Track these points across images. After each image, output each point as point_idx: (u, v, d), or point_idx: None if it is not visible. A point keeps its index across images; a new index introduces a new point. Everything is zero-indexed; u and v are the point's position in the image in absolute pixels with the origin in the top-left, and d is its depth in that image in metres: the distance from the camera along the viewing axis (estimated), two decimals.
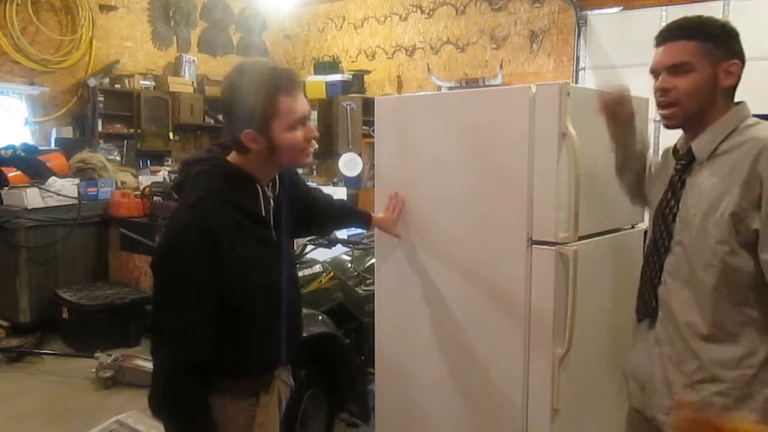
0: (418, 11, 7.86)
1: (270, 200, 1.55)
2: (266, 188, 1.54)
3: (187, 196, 1.46)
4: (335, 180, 7.05)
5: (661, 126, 1.55)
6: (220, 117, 1.57)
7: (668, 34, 1.50)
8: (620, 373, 1.73)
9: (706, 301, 1.45)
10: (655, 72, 1.52)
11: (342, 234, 3.45)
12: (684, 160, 1.53)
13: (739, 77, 1.48)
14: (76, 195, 4.87)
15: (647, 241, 1.65)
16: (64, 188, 4.85)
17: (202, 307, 1.41)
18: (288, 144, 1.46)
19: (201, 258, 1.38)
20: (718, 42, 1.46)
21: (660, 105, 1.52)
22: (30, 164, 5.06)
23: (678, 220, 1.51)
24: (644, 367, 1.60)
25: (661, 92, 1.50)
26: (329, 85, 7.63)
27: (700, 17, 1.50)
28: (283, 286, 1.57)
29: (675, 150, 1.61)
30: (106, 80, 7.12)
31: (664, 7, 5.73)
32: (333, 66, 8.05)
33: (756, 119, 1.49)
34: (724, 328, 1.44)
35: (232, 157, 1.51)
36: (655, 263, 1.57)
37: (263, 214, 1.52)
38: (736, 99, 1.52)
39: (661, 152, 1.72)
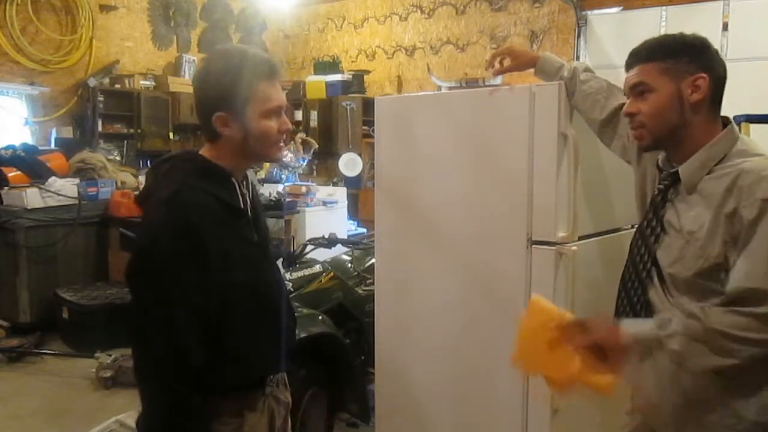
0: (418, 11, 7.85)
1: (246, 197, 1.48)
2: (240, 184, 1.47)
3: (159, 192, 1.35)
4: (335, 180, 7.04)
5: None
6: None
7: (629, 61, 1.48)
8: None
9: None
10: (626, 97, 1.52)
11: (342, 234, 3.45)
12: (668, 181, 1.49)
13: (711, 91, 1.42)
14: (76, 195, 4.86)
15: (627, 260, 1.58)
16: (64, 188, 4.84)
17: (192, 312, 1.32)
18: (261, 132, 1.39)
19: (186, 258, 1.30)
20: (678, 57, 1.42)
21: (631, 128, 1.52)
22: (30, 164, 5.05)
23: (661, 246, 1.47)
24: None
25: (628, 117, 1.50)
26: (329, 85, 7.62)
27: (661, 37, 1.48)
28: (271, 289, 1.50)
29: (657, 165, 1.56)
30: (106, 80, 7.10)
31: (664, 7, 5.69)
32: (333, 66, 8.04)
33: (745, 141, 1.43)
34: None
35: (203, 151, 1.45)
36: (636, 288, 1.52)
37: (242, 207, 1.45)
38: (729, 111, 1.48)
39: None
